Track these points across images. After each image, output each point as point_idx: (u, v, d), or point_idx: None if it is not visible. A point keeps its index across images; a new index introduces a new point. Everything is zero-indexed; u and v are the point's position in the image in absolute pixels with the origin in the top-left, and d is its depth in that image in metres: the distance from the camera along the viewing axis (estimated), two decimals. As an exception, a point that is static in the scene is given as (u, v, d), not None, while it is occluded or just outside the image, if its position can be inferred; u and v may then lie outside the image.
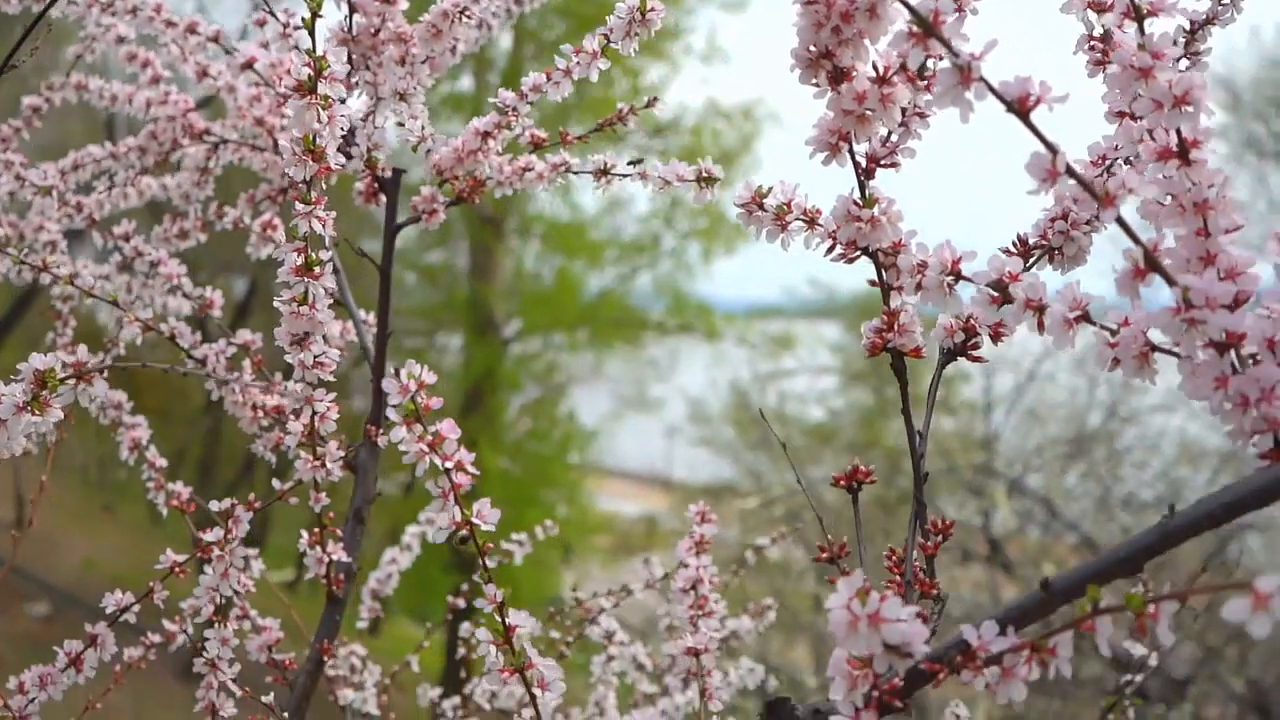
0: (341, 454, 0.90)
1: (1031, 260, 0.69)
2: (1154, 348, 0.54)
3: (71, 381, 0.65)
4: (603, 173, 0.94)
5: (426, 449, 0.61)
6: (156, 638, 1.08)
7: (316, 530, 0.95)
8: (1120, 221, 0.51)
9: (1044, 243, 0.68)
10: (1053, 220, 0.68)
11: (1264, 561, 6.11)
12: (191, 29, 1.08)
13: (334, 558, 0.96)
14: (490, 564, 0.64)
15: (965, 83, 0.50)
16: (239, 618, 0.98)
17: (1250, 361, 0.51)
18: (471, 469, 0.62)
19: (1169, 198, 0.54)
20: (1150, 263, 0.51)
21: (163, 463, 1.09)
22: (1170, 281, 0.51)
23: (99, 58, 1.30)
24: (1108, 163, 0.69)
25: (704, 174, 0.83)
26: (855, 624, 0.49)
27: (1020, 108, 0.50)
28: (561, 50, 0.89)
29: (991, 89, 0.50)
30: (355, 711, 1.27)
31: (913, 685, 0.54)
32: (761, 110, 10.35)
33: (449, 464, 0.61)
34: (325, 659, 0.98)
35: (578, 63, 0.88)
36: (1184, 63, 0.71)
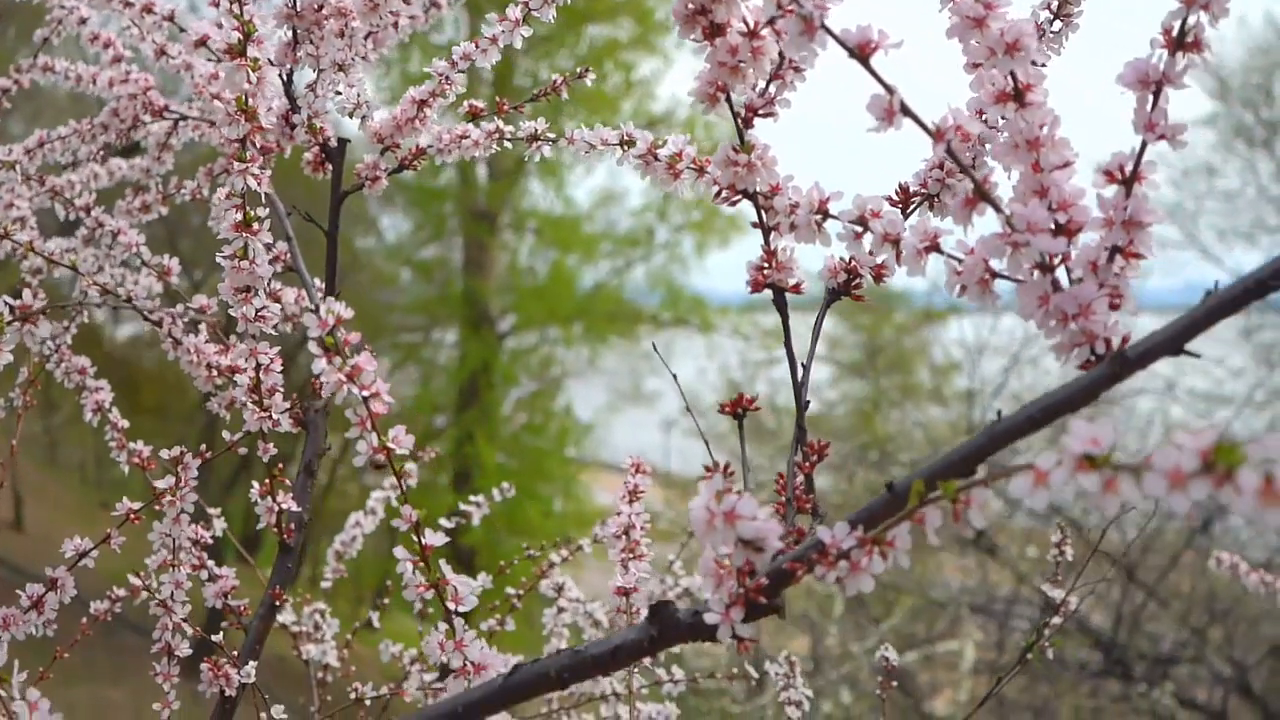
0: (288, 405, 0.95)
1: (912, 206, 0.74)
2: (994, 274, 0.59)
3: (17, 324, 0.70)
4: (534, 138, 0.99)
5: (345, 379, 0.66)
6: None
7: (267, 481, 1.00)
8: (951, 154, 0.56)
9: (923, 190, 0.74)
10: (931, 169, 0.73)
11: (1246, 540, 6.17)
12: (148, 8, 1.13)
13: (284, 507, 1.01)
14: (406, 485, 0.69)
15: (809, 32, 0.55)
16: (195, 567, 1.03)
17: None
18: (388, 398, 0.67)
19: (1005, 136, 0.59)
20: (980, 193, 0.56)
21: (124, 424, 1.14)
22: (998, 209, 0.56)
23: (68, 43, 1.35)
24: (984, 115, 0.74)
25: (625, 139, 0.88)
26: (713, 520, 0.55)
27: (861, 53, 0.55)
28: (487, 19, 0.94)
29: (834, 36, 0.55)
30: (317, 664, 1.33)
31: (777, 584, 0.59)
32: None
33: (367, 393, 0.67)
34: (277, 604, 1.03)
35: (503, 30, 0.94)
36: (1057, 24, 0.76)
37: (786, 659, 1.14)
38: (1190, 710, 5.70)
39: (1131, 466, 0.41)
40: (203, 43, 1.09)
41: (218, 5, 1.09)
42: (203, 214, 1.33)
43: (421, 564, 0.69)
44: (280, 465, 1.00)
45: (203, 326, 1.09)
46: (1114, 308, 0.56)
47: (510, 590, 1.34)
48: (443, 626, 0.69)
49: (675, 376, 0.92)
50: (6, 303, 0.70)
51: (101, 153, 1.23)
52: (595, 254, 11.76)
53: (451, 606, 0.69)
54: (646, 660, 1.34)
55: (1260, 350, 7.97)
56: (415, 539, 0.69)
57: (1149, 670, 5.73)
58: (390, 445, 0.68)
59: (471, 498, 1.42)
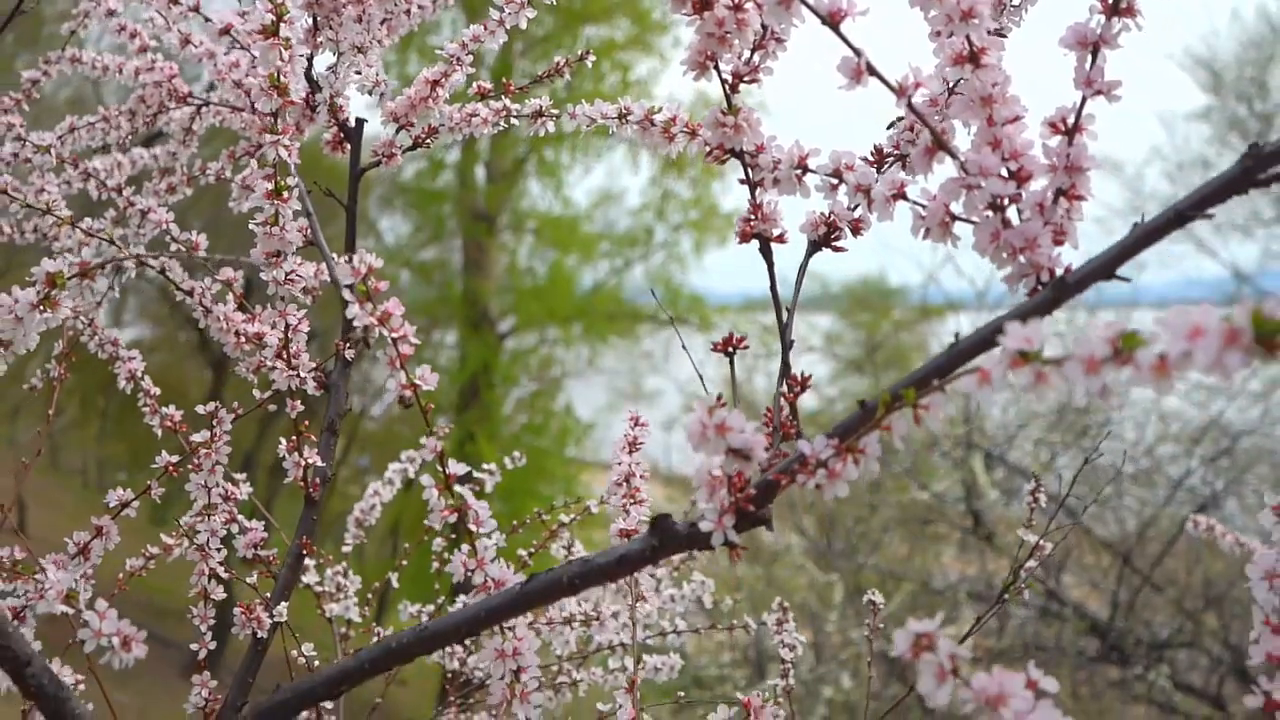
0: (314, 365, 1.02)
1: (886, 165, 0.81)
2: (953, 216, 0.67)
3: (77, 279, 0.77)
4: (538, 114, 1.07)
5: (376, 322, 0.74)
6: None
7: (294, 438, 1.08)
8: (913, 110, 0.63)
9: (895, 151, 0.81)
10: (901, 130, 0.81)
11: (1240, 526, 6.24)
12: (174, 1, 1.20)
13: (310, 462, 1.09)
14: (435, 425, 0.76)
15: (786, 3, 0.62)
16: (226, 522, 1.10)
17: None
18: (414, 339, 0.75)
19: (963, 96, 0.66)
20: (938, 142, 0.63)
21: (156, 391, 1.21)
22: (954, 157, 0.63)
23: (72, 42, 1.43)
24: (950, 84, 0.81)
25: (623, 111, 0.95)
26: (706, 432, 0.62)
27: (832, 20, 0.63)
28: (494, 3, 1.02)
29: (808, 6, 0.63)
30: (340, 619, 1.40)
31: (764, 495, 0.67)
32: (750, 100, 10.45)
33: (395, 335, 0.74)
34: (305, 553, 1.11)
35: (509, 13, 1.01)
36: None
37: (780, 604, 1.21)
38: (1186, 694, 5.78)
39: (1055, 359, 0.49)
40: (226, 31, 1.17)
41: (239, -3, 1.17)
42: (213, 207, 1.40)
43: (446, 490, 0.76)
44: (306, 422, 1.08)
45: (229, 296, 1.16)
46: (1058, 243, 0.64)
47: (521, 551, 1.41)
48: (465, 548, 0.76)
49: (700, 370, 0.98)
50: (68, 259, 0.77)
51: (129, 137, 1.30)
52: (594, 254, 11.83)
53: (472, 529, 0.77)
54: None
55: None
56: (440, 469, 0.76)
57: (1145, 655, 5.81)
58: (417, 382, 0.75)
59: (484, 465, 1.49)
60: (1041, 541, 1.20)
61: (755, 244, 0.81)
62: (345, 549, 1.54)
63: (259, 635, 1.07)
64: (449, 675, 1.49)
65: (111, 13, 1.30)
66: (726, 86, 0.73)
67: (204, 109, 1.30)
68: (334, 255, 1.24)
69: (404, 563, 1.54)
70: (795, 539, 7.18)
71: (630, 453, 1.06)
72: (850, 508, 7.30)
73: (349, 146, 1.13)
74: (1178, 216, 0.58)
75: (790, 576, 7.14)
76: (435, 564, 1.43)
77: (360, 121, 1.12)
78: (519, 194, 11.65)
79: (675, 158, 0.75)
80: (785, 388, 0.75)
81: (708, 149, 0.75)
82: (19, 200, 1.10)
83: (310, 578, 1.40)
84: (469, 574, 0.75)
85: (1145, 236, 0.58)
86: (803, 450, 0.64)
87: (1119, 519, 7.30)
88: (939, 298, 9.13)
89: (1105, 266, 0.59)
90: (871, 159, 0.82)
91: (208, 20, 1.20)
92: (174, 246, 1.20)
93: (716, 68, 0.72)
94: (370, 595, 1.48)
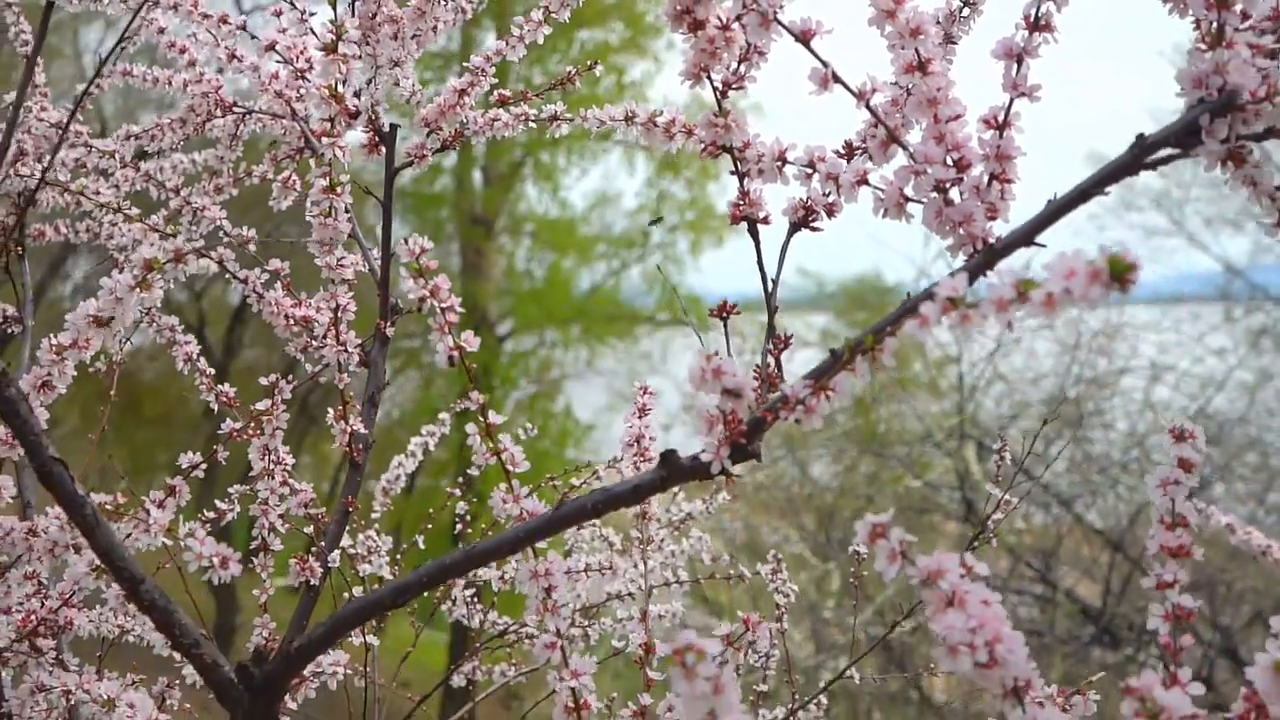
0: (359, 342, 1.16)
1: (857, 156, 0.95)
2: (906, 198, 0.81)
3: (172, 264, 0.91)
4: (554, 119, 1.21)
5: (428, 294, 0.88)
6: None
7: (340, 407, 1.22)
8: (870, 109, 0.77)
9: (863, 145, 0.95)
10: (866, 127, 0.95)
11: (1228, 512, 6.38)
12: (223, 20, 1.34)
13: (354, 430, 1.23)
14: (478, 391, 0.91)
15: (765, 24, 0.77)
16: (283, 481, 1.24)
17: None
18: (459, 309, 0.89)
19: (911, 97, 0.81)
20: (891, 137, 0.78)
21: (211, 370, 1.36)
22: (904, 148, 0.78)
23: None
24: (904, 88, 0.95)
25: (629, 114, 1.10)
26: (704, 375, 0.76)
27: (804, 38, 0.77)
28: (515, 22, 1.16)
29: (784, 26, 0.77)
30: (373, 577, 1.54)
31: (754, 430, 0.81)
32: (744, 102, 10.61)
33: (444, 305, 0.88)
34: (350, 510, 1.25)
35: (528, 30, 1.15)
36: (965, 10, 0.98)
37: (774, 555, 1.35)
38: (1176, 675, 5.91)
39: (974, 303, 0.63)
40: (271, 47, 1.31)
41: (280, 14, 1.31)
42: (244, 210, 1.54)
43: (486, 435, 0.90)
44: (349, 399, 1.22)
45: (278, 284, 1.30)
46: (991, 218, 0.78)
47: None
48: (503, 485, 0.91)
49: (720, 353, 1.12)
50: (162, 246, 0.91)
51: (182, 142, 1.44)
52: (591, 255, 11.97)
53: (510, 469, 0.91)
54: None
55: (1250, 335, 8.20)
56: (482, 419, 0.91)
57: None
58: (462, 344, 0.89)
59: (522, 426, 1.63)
60: (1006, 497, 1.34)
61: (751, 235, 0.95)
62: (374, 515, 1.68)
63: (312, 583, 1.21)
64: (471, 632, 1.63)
65: (162, 30, 1.44)
66: (717, 93, 0.87)
67: (247, 117, 1.44)
68: (371, 247, 1.39)
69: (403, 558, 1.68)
70: (793, 533, 7.33)
71: (640, 417, 1.21)
72: (849, 501, 7.46)
73: (384, 149, 1.27)
74: (1081, 194, 0.72)
75: (792, 575, 7.29)
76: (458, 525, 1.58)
77: (394, 126, 1.26)
78: (516, 197, 11.80)
79: (675, 153, 0.89)
80: (771, 345, 0.90)
81: (703, 146, 0.89)
82: (95, 202, 1.24)
83: (345, 541, 1.54)
84: (506, 510, 0.89)
85: (1056, 210, 0.73)
86: (785, 391, 0.79)
87: (1112, 508, 7.45)
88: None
89: (1025, 236, 0.74)
90: (843, 151, 0.96)
91: (254, 38, 1.34)
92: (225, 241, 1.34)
93: (709, 77, 0.87)
94: (399, 557, 1.62)
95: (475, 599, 1.73)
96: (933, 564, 0.66)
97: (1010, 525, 6.26)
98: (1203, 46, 0.70)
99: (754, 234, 0.91)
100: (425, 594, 1.65)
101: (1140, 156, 0.71)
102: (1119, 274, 0.55)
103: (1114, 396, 7.08)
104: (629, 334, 12.32)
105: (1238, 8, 0.70)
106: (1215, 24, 0.70)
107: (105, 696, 0.98)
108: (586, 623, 1.48)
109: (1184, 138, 0.70)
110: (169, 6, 1.37)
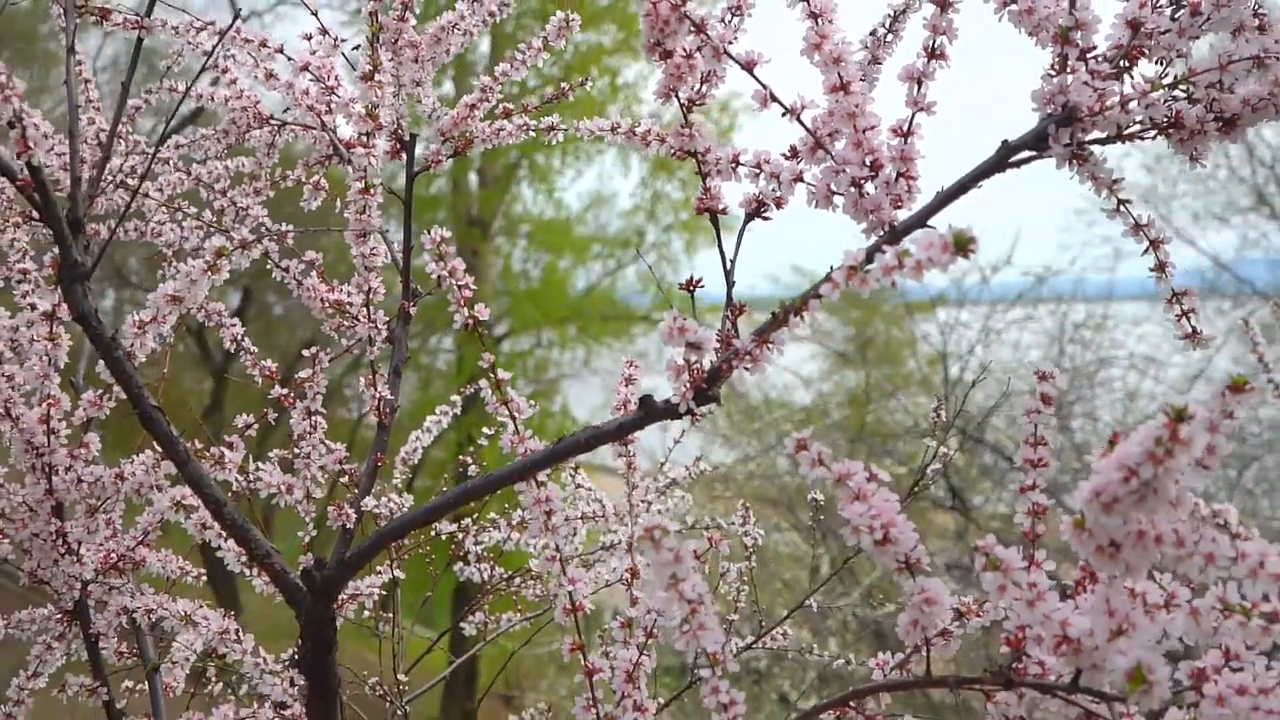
0: (387, 319, 1.37)
1: (796, 159, 1.16)
2: (832, 191, 1.02)
3: (239, 251, 1.12)
4: (552, 128, 1.42)
5: (448, 274, 1.09)
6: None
7: (370, 375, 1.43)
8: (800, 121, 0.98)
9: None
10: (805, 136, 1.16)
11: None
12: (263, 44, 1.55)
13: (382, 395, 1.44)
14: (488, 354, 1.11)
15: (717, 56, 0.97)
16: (320, 442, 1.44)
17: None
18: (473, 285, 1.09)
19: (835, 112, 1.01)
20: (817, 143, 0.99)
21: (255, 349, 1.56)
22: (827, 152, 0.99)
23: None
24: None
25: (615, 125, 1.30)
26: (672, 332, 0.97)
27: (748, 66, 0.98)
28: (519, 46, 1.37)
29: (731, 57, 0.98)
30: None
31: (714, 377, 1.01)
32: (738, 103, 10.83)
33: (460, 283, 1.09)
34: (379, 465, 1.46)
35: (529, 55, 1.36)
36: (889, 36, 1.19)
37: (744, 505, 1.56)
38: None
39: (915, 262, 0.83)
40: (305, 68, 1.52)
41: (309, 38, 1.52)
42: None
43: (496, 388, 1.11)
44: (378, 369, 1.42)
45: (314, 272, 1.51)
46: (897, 207, 0.99)
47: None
48: (511, 428, 1.11)
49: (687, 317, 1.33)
50: (229, 235, 1.11)
51: (226, 150, 1.65)
52: (586, 256, 12.16)
53: (516, 415, 1.12)
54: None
55: (1240, 330, 8.41)
56: (493, 375, 1.11)
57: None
58: (475, 315, 1.10)
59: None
60: (944, 449, 1.55)
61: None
62: (394, 482, 1.89)
63: (348, 527, 1.41)
64: (476, 585, 1.83)
65: (207, 53, 1.65)
66: (684, 108, 1.08)
67: (282, 128, 1.64)
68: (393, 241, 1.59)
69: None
70: (784, 522, 7.53)
71: (626, 386, 1.41)
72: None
73: (405, 155, 1.48)
74: (960, 188, 0.93)
75: (792, 573, 7.51)
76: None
77: (414, 135, 1.47)
78: (512, 199, 11.98)
79: (662, 156, 1.10)
80: (729, 312, 1.11)
81: (672, 150, 1.10)
82: (157, 201, 1.45)
83: (368, 503, 1.75)
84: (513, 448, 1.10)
85: (939, 202, 0.94)
86: (736, 346, 0.99)
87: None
88: (922, 293, 9.52)
89: (918, 220, 0.94)
90: (788, 155, 1.17)
91: (290, 59, 1.55)
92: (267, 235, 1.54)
93: (677, 95, 1.07)
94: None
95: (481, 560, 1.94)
96: (843, 468, 0.87)
97: (994, 512, 6.47)
98: (1052, 72, 0.91)
99: (714, 222, 1.12)
100: (444, 544, 1.89)
101: (1005, 157, 0.92)
102: (961, 245, 0.75)
103: (1095, 387, 7.30)
104: (625, 333, 12.50)
105: (1078, 42, 0.91)
106: (1060, 55, 0.91)
107: (183, 613, 1.18)
108: (584, 569, 1.69)
109: (1037, 143, 0.91)
110: (214, 33, 1.58)
